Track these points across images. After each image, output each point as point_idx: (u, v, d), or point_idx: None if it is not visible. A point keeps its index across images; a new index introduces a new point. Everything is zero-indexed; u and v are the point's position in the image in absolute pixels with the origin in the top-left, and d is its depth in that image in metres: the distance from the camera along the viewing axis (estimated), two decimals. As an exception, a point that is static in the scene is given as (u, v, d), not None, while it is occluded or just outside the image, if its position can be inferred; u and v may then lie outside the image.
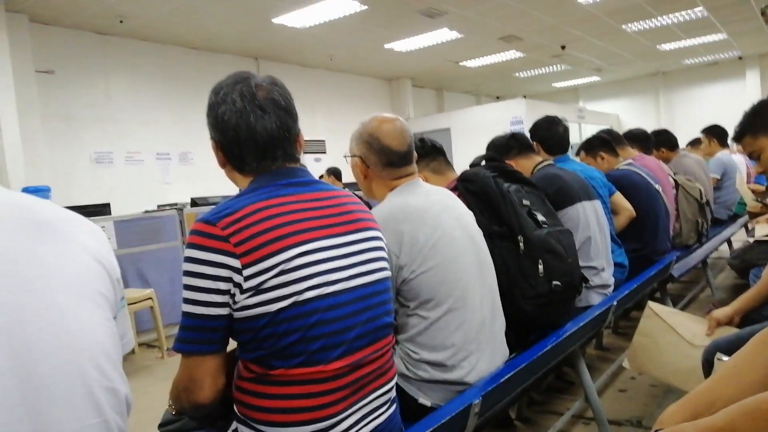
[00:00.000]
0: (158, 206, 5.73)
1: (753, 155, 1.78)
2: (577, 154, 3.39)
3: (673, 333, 1.79)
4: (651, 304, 1.91)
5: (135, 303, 3.99)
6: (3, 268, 0.76)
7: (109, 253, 0.94)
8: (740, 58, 13.14)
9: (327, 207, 1.19)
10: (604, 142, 3.28)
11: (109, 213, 5.10)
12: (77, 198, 6.44)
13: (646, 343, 1.88)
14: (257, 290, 1.04)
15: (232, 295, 1.05)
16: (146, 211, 5.04)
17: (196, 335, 1.07)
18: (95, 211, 4.73)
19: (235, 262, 1.04)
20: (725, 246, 5.18)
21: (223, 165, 1.25)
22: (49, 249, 0.82)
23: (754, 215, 3.71)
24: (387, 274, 1.27)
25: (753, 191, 4.12)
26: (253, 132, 1.16)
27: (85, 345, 0.81)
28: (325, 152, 9.66)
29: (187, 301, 1.06)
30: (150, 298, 4.05)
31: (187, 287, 1.06)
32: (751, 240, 3.22)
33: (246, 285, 1.04)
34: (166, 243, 4.58)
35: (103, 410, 0.81)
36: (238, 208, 1.08)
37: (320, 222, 1.16)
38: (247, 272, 1.04)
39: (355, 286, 1.16)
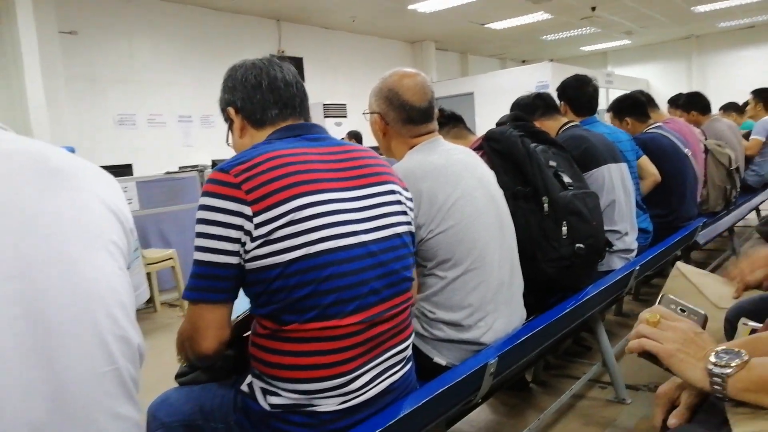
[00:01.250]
0: (179, 168, 5.76)
1: None
2: (609, 111, 3.30)
3: (699, 294, 1.74)
4: (679, 264, 1.85)
5: (157, 263, 4.05)
6: (15, 217, 0.75)
7: (122, 202, 0.92)
8: (779, 20, 12.57)
9: (343, 160, 1.18)
10: (632, 107, 3.18)
11: (131, 174, 5.14)
12: (101, 159, 6.51)
13: None
14: (267, 239, 1.03)
15: (243, 244, 1.03)
16: (168, 173, 5.08)
17: (205, 283, 1.06)
18: (117, 171, 4.74)
19: (247, 209, 1.03)
20: (753, 214, 5.04)
21: (241, 131, 1.26)
22: (62, 197, 0.81)
23: None
24: (407, 228, 1.25)
25: None
26: (275, 80, 1.22)
27: (98, 293, 0.81)
28: (346, 116, 9.55)
29: (198, 248, 1.06)
30: (171, 258, 4.11)
31: (199, 234, 1.06)
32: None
33: (256, 233, 1.03)
34: (187, 204, 4.60)
35: (115, 358, 0.81)
36: (252, 157, 1.07)
37: (335, 174, 1.14)
38: (257, 219, 1.02)
39: (371, 240, 1.14)
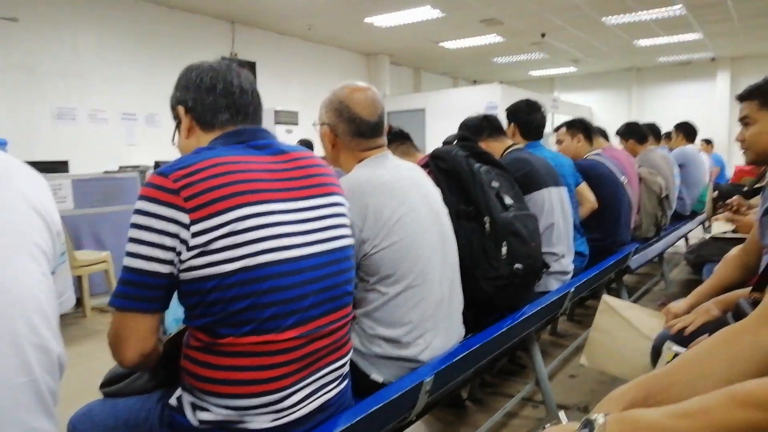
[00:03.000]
0: (120, 167, 5.55)
1: (744, 120, 1.71)
2: (556, 130, 3.42)
3: (630, 328, 1.80)
4: (606, 297, 1.92)
5: (89, 265, 3.88)
6: None
7: (50, 203, 0.88)
8: (713, 59, 13.37)
9: (289, 170, 1.16)
10: (586, 129, 3.32)
11: (67, 170, 4.92)
12: (36, 154, 6.20)
13: (602, 339, 1.88)
14: (204, 250, 1.00)
15: (178, 253, 1.00)
16: (106, 172, 4.89)
17: (133, 291, 1.02)
18: (52, 167, 4.55)
19: (184, 217, 1.00)
20: (682, 242, 5.31)
21: (188, 131, 1.22)
22: None
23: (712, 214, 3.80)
24: (349, 242, 1.24)
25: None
26: (230, 85, 1.21)
27: (17, 299, 0.76)
28: (297, 123, 9.48)
29: (129, 254, 1.02)
30: (105, 261, 3.95)
31: (132, 240, 1.02)
32: (707, 237, 3.29)
33: (192, 242, 1.00)
34: (125, 205, 4.44)
35: (31, 369, 0.76)
36: (193, 162, 1.04)
37: (279, 185, 1.12)
38: (194, 228, 1.00)
39: (314, 253, 1.13)
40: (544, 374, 2.31)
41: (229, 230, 1.01)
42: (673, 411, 0.70)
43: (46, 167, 4.40)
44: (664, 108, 13.83)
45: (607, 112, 14.65)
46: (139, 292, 1.02)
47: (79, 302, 4.11)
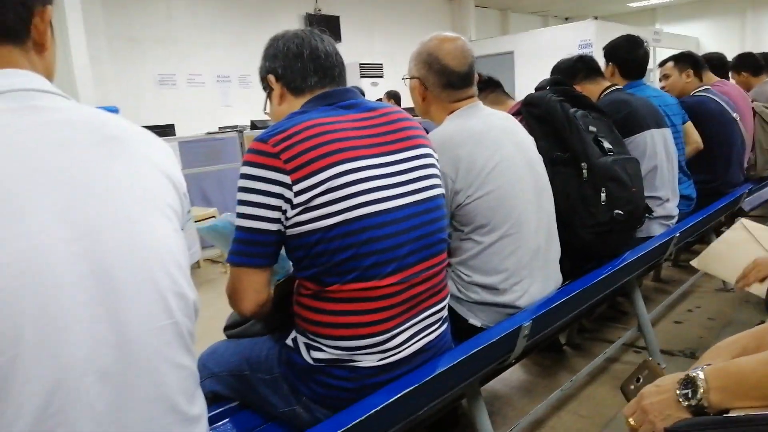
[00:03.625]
0: (219, 128, 5.85)
1: None
2: (661, 65, 3.20)
3: (756, 243, 1.70)
4: (744, 220, 1.82)
5: (199, 220, 4.17)
6: (79, 183, 0.80)
7: (175, 168, 0.97)
8: None
9: (378, 126, 1.20)
10: (696, 63, 3.08)
11: (174, 134, 5.25)
12: (144, 119, 6.66)
13: (724, 250, 1.78)
14: (307, 207, 1.07)
15: (284, 212, 1.08)
16: (208, 133, 5.17)
17: (246, 248, 1.12)
18: (161, 131, 4.88)
19: (286, 178, 1.07)
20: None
21: (280, 98, 1.29)
22: (121, 164, 0.86)
23: None
24: (440, 191, 1.28)
25: None
26: (315, 50, 1.25)
27: (156, 253, 0.86)
28: (382, 76, 9.46)
29: (240, 215, 1.12)
30: (213, 216, 4.23)
31: (241, 202, 1.11)
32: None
33: (296, 200, 1.07)
34: (227, 164, 4.71)
35: (173, 313, 0.87)
36: (289, 127, 1.11)
37: (370, 140, 1.17)
38: (297, 188, 1.07)
39: (407, 203, 1.17)
40: (647, 319, 2.26)
41: (327, 187, 1.08)
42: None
43: (156, 132, 4.72)
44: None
45: (718, 43, 13.32)
46: (251, 249, 1.12)
47: (193, 255, 4.46)
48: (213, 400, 1.38)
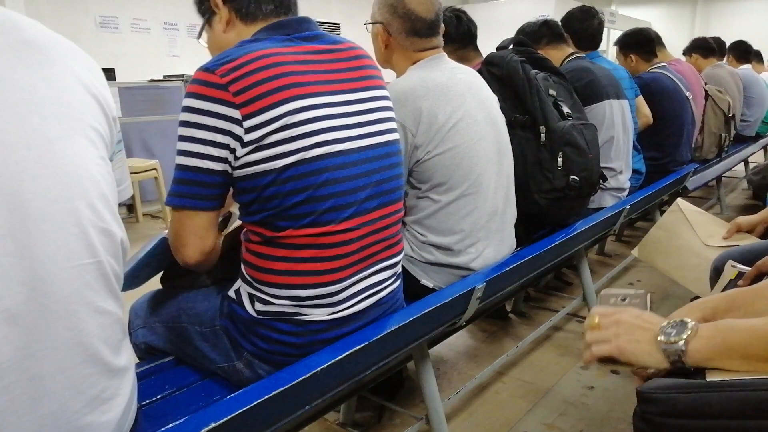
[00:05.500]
0: (164, 76, 5.54)
1: None
2: (615, 44, 3.20)
3: (690, 229, 1.76)
4: (680, 200, 1.87)
5: (139, 173, 3.96)
6: None
7: (104, 87, 0.85)
8: (791, -31, 12.21)
9: (338, 61, 1.10)
10: (640, 43, 3.08)
11: (114, 79, 4.94)
12: (82, 63, 6.23)
13: (660, 236, 1.86)
14: (259, 145, 0.97)
15: (233, 150, 0.98)
16: (151, 80, 4.89)
17: (188, 189, 1.00)
18: (99, 75, 4.57)
19: (235, 113, 0.96)
20: (740, 166, 5.06)
21: (226, 25, 1.14)
22: (36, 73, 0.74)
23: None
24: (397, 136, 1.21)
25: None
26: None
27: (77, 181, 0.75)
28: (339, 37, 9.25)
29: (181, 152, 1.00)
30: (155, 169, 4.02)
31: (183, 138, 0.99)
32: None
33: (247, 138, 0.96)
34: (171, 114, 4.46)
35: (96, 251, 0.76)
36: (240, 55, 0.98)
37: (330, 76, 1.07)
38: (247, 124, 0.96)
39: (366, 145, 1.09)
40: (592, 290, 2.28)
41: (282, 123, 0.97)
42: (761, 324, 0.66)
43: (93, 75, 4.42)
44: (730, 25, 12.81)
45: (669, 28, 13.64)
46: (194, 190, 1.00)
47: (131, 208, 4.24)
48: (146, 352, 1.28)
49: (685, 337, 0.69)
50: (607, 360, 0.78)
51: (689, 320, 0.71)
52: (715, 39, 4.42)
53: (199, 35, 1.23)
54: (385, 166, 1.14)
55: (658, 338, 0.72)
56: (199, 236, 1.04)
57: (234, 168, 1.00)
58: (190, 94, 0.99)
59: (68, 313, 0.74)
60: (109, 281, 0.80)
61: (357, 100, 1.10)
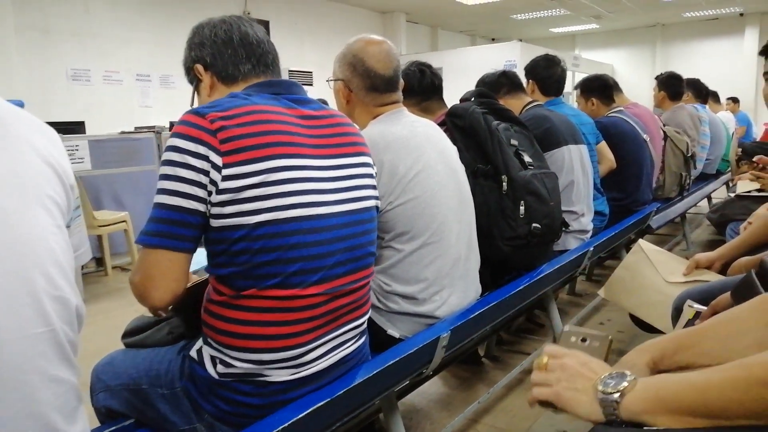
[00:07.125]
0: (135, 128, 5.56)
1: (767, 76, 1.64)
2: (576, 88, 3.34)
3: (652, 268, 1.82)
4: (641, 241, 1.94)
5: (109, 225, 3.92)
6: None
7: (62, 156, 0.87)
8: (741, 14, 12.87)
9: (322, 127, 1.15)
10: (600, 88, 3.22)
11: (84, 132, 4.93)
12: (52, 115, 6.22)
13: (624, 276, 1.92)
14: (235, 197, 0.98)
15: (209, 192, 0.98)
16: (122, 132, 4.90)
17: (167, 228, 0.99)
18: (69, 129, 4.55)
19: (217, 158, 0.98)
20: (704, 202, 5.21)
21: (210, 89, 1.20)
22: None
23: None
24: (375, 203, 1.24)
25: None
26: (246, 36, 1.19)
27: (32, 251, 0.76)
28: (312, 84, 9.40)
29: (162, 190, 1.00)
30: (124, 221, 3.99)
31: (166, 177, 0.99)
32: (732, 195, 3.22)
33: (222, 185, 0.98)
34: (142, 166, 4.47)
35: (50, 319, 0.77)
36: (231, 107, 1.02)
37: (313, 141, 1.11)
38: (226, 172, 0.98)
39: (341, 211, 1.12)
40: (562, 331, 2.30)
41: (261, 180, 1.00)
42: (695, 379, 0.67)
43: (62, 128, 4.40)
44: (689, 66, 13.37)
45: (631, 70, 14.25)
46: (174, 229, 0.99)
47: (100, 262, 4.18)
48: (107, 416, 1.26)
49: (621, 388, 0.69)
50: (547, 404, 0.77)
51: (628, 373, 0.72)
52: (693, 81, 4.59)
53: (191, 103, 1.26)
54: (359, 233, 1.16)
55: (597, 387, 0.71)
56: (173, 279, 1.03)
57: (209, 215, 1.00)
58: (177, 134, 1.00)
59: (21, 383, 0.74)
60: (63, 349, 0.80)
61: (337, 165, 1.13)
